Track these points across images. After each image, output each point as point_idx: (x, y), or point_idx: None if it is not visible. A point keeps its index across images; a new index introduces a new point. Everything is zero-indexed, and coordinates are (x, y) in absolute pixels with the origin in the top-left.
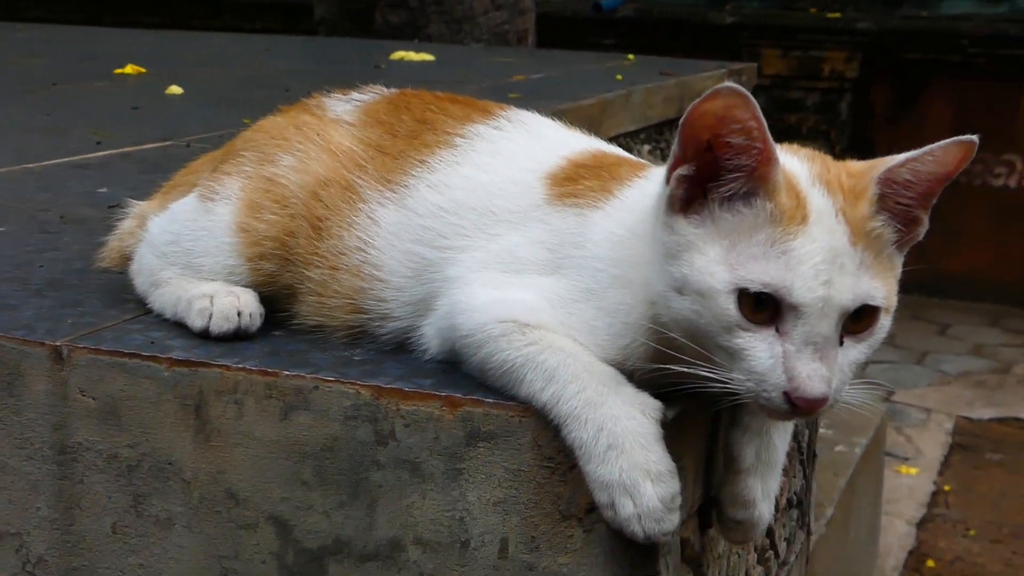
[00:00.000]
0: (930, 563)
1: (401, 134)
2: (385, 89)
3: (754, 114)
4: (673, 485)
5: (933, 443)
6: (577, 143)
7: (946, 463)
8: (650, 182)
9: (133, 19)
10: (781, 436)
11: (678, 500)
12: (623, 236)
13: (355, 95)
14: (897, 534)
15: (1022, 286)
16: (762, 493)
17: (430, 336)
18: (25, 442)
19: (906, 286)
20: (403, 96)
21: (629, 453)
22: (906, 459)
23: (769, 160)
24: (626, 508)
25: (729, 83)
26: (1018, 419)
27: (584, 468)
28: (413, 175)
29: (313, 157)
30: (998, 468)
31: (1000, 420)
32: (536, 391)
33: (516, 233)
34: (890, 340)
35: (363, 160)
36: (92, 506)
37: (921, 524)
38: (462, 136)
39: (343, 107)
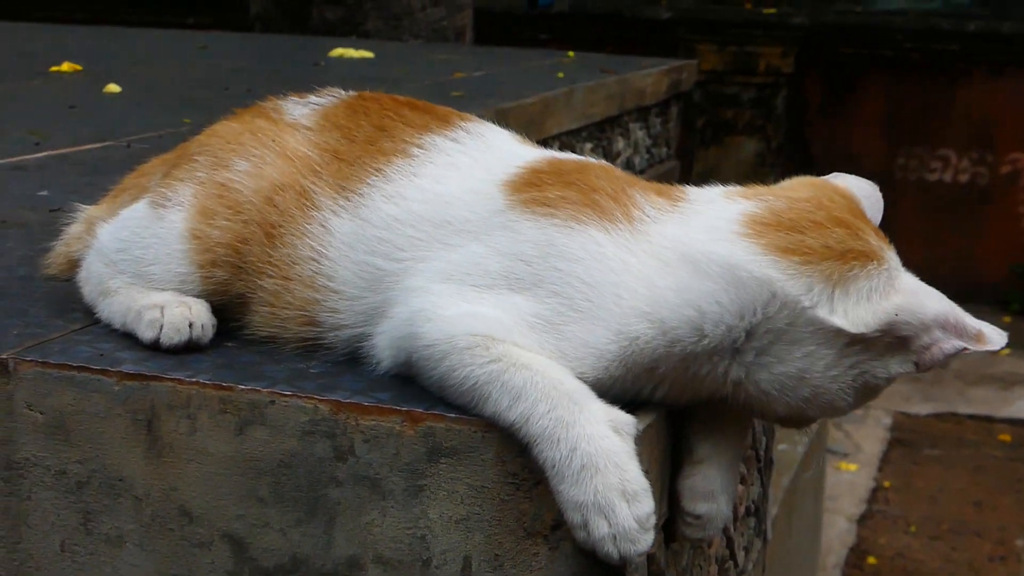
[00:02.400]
0: (871, 560)
1: (358, 140)
2: (343, 92)
3: None
4: (648, 504)
5: (872, 439)
6: (537, 154)
7: (885, 459)
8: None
9: (63, 14)
10: (737, 430)
11: (652, 519)
12: (663, 285)
13: (313, 98)
14: (838, 531)
15: (957, 280)
16: (721, 486)
17: (382, 347)
18: None
19: None
20: (361, 100)
21: (604, 473)
22: (845, 455)
23: None
24: (600, 529)
25: None
26: (955, 414)
27: (556, 488)
28: (369, 183)
29: (268, 162)
30: (936, 464)
31: (938, 415)
32: (503, 409)
33: (477, 243)
34: None
35: (318, 166)
36: (40, 523)
37: (861, 520)
38: (419, 146)
39: (300, 111)
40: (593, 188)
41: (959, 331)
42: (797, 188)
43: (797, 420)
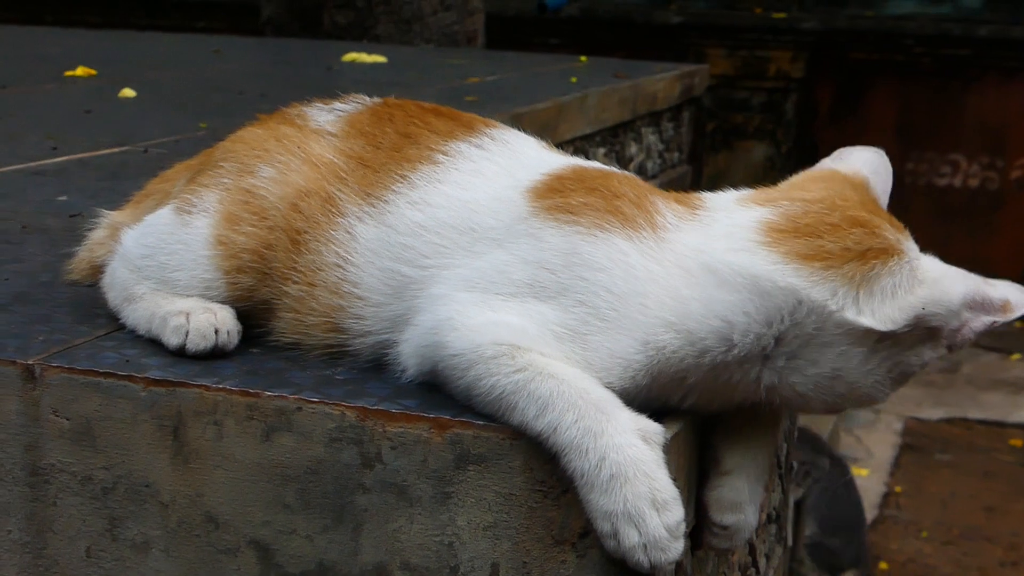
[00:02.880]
0: (883, 565)
1: (384, 146)
2: (368, 99)
3: None
4: (678, 512)
5: (883, 444)
6: (563, 161)
7: (896, 464)
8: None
9: (76, 18)
10: (765, 440)
11: (683, 527)
12: (686, 293)
13: (337, 105)
14: None
15: None
16: (748, 496)
17: (407, 355)
18: None
19: None
20: (387, 107)
21: (633, 482)
22: (856, 460)
23: None
24: (631, 538)
25: None
26: (966, 419)
27: (585, 497)
28: (394, 190)
29: (293, 168)
30: (948, 469)
31: (949, 420)
32: (530, 419)
33: (502, 250)
34: None
35: (344, 172)
36: (65, 529)
37: (873, 526)
38: (445, 153)
39: (325, 117)
40: (616, 195)
41: (986, 307)
42: (808, 185)
43: (834, 411)
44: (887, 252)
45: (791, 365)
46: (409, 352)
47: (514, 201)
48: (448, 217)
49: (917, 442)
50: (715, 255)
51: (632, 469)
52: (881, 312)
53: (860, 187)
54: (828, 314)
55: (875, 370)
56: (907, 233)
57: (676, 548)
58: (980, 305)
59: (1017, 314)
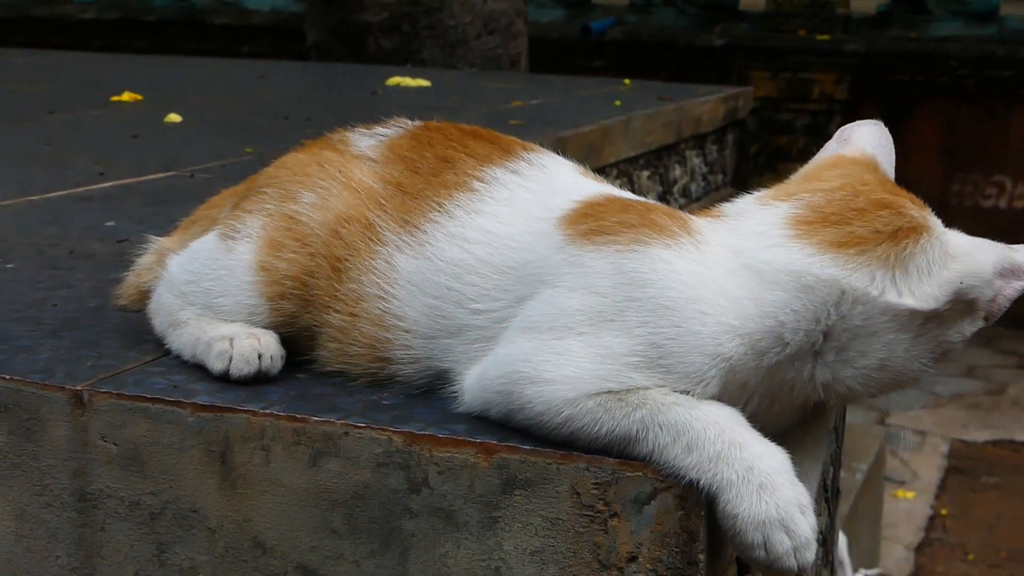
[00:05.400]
0: None
1: (422, 171)
2: (409, 122)
3: None
4: (813, 513)
5: (929, 467)
6: (594, 188)
7: (942, 487)
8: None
9: (122, 43)
10: (814, 463)
11: (816, 527)
12: (725, 286)
13: (379, 129)
14: (896, 559)
15: (1014, 306)
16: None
17: (468, 390)
18: (44, 489)
19: None
20: (427, 130)
21: (781, 489)
22: (902, 483)
23: None
24: (783, 544)
25: None
26: (1013, 441)
27: (731, 512)
28: (432, 220)
29: (335, 194)
30: (994, 491)
31: (995, 443)
32: (666, 444)
33: (547, 287)
34: None
35: (383, 199)
36: (113, 554)
37: (919, 549)
38: (480, 180)
39: (367, 142)
40: (648, 209)
41: (1016, 272)
42: (823, 175)
43: (879, 395)
44: (916, 230)
45: (841, 358)
46: (472, 389)
47: (548, 233)
48: (486, 254)
49: (963, 464)
50: (753, 255)
51: (777, 477)
52: (920, 291)
53: (871, 167)
54: (871, 301)
55: (921, 354)
56: (929, 210)
57: (814, 548)
58: (1011, 272)
59: None
